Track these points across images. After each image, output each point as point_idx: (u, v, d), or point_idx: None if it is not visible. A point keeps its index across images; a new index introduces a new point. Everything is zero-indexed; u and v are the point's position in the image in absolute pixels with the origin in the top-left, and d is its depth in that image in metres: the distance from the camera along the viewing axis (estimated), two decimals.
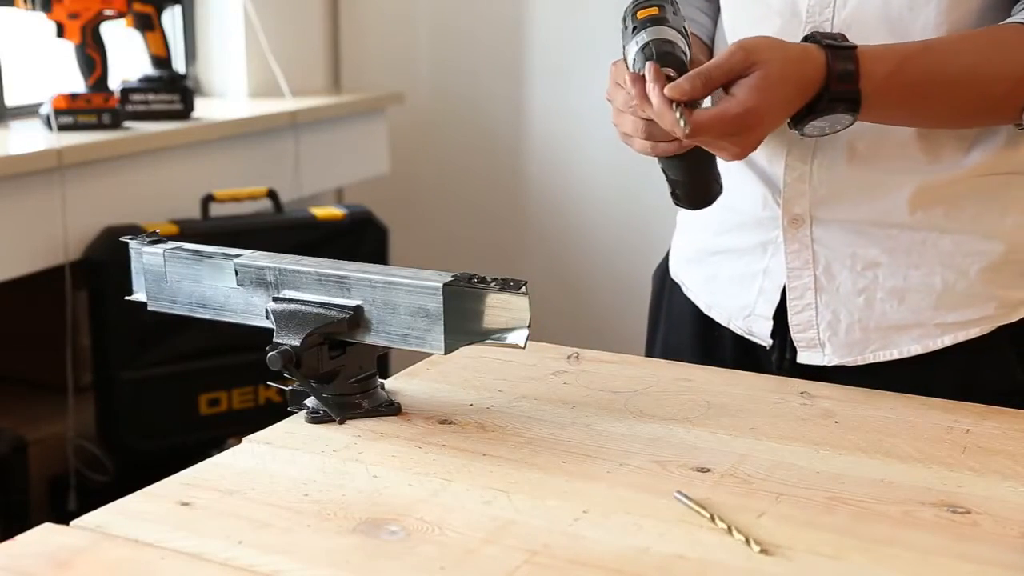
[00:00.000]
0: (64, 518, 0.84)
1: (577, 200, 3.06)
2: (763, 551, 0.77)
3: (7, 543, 0.79)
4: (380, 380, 1.04)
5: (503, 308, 0.94)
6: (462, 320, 0.95)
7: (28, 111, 2.48)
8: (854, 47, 1.00)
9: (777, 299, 1.18)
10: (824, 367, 1.16)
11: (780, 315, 1.18)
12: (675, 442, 0.96)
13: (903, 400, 1.05)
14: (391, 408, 1.02)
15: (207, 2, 2.89)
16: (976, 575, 0.75)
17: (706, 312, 1.25)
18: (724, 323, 1.23)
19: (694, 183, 1.10)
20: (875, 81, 1.00)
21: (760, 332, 1.20)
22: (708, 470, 0.90)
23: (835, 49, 1.00)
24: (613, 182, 2.95)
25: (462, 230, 3.22)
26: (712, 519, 0.81)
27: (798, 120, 1.02)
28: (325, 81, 3.18)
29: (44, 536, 0.80)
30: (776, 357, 1.19)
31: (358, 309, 0.98)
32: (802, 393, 1.07)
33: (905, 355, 1.14)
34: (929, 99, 1.04)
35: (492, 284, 0.94)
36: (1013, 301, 1.13)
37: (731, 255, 1.22)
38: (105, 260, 2.22)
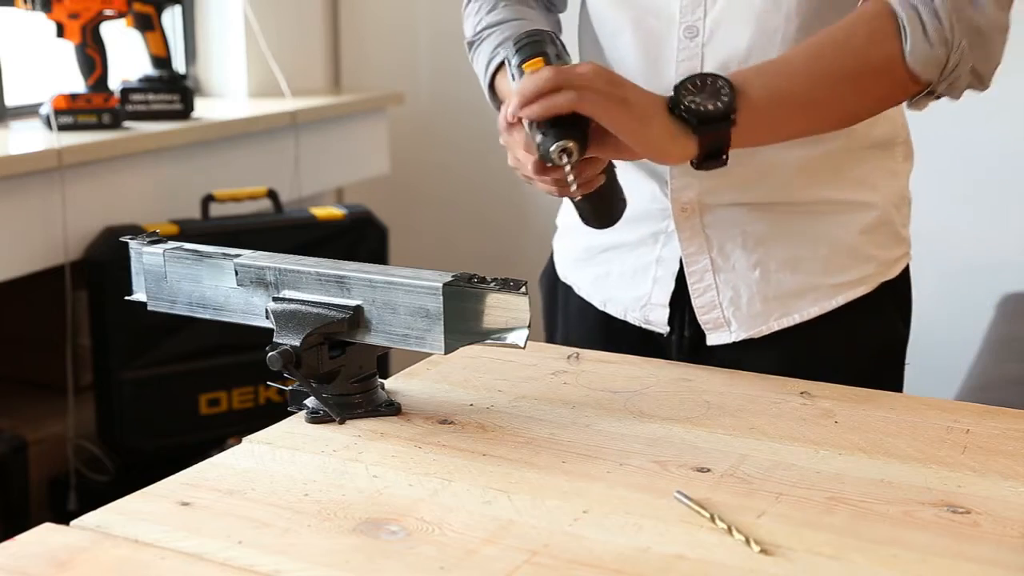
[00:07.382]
0: (64, 518, 0.84)
1: None
2: (763, 551, 0.77)
3: (7, 543, 0.79)
4: (380, 380, 1.04)
5: (503, 308, 0.94)
6: (462, 320, 0.95)
7: (28, 111, 2.48)
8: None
9: (672, 286, 1.21)
10: (724, 346, 1.19)
11: (674, 302, 1.21)
12: (675, 442, 0.96)
13: (903, 400, 1.05)
14: (391, 408, 1.02)
15: (207, 2, 2.89)
16: (976, 575, 0.75)
17: (601, 308, 1.27)
18: (620, 316, 1.25)
19: (603, 209, 1.12)
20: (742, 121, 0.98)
21: (657, 320, 1.22)
22: (708, 470, 0.90)
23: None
24: None
25: (462, 230, 3.21)
26: (712, 519, 0.81)
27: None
28: (325, 81, 3.18)
29: (44, 536, 0.80)
30: (676, 341, 1.22)
31: (358, 309, 0.98)
32: (802, 393, 1.07)
33: (806, 319, 1.18)
34: (810, 102, 1.02)
35: (492, 284, 0.94)
36: (889, 259, 1.21)
37: (622, 250, 1.24)
38: (105, 260, 2.22)
